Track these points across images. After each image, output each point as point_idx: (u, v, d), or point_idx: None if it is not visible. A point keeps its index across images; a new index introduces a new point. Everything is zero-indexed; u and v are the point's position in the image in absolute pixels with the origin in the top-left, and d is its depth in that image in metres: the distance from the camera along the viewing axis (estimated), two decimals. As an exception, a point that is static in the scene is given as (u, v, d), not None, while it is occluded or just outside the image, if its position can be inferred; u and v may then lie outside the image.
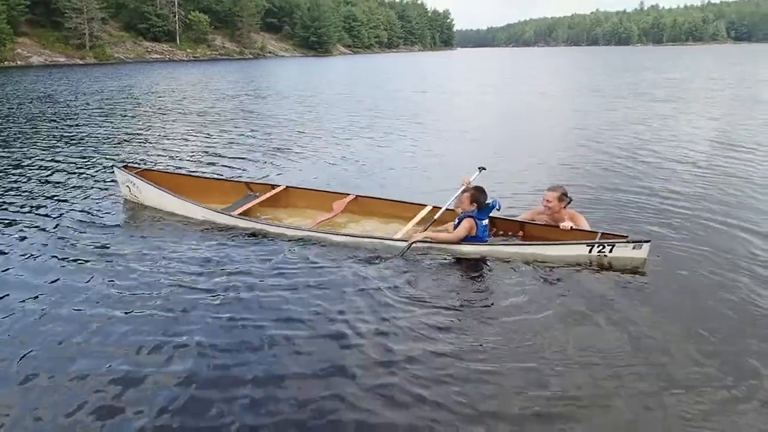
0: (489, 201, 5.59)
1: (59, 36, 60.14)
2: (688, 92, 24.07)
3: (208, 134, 13.40)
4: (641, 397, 3.32)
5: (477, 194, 5.53)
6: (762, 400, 3.28)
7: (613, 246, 5.26)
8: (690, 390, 3.37)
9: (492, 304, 4.52)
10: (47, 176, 8.96)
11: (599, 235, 5.48)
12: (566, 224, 5.70)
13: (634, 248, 5.23)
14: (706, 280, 4.92)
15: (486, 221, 5.55)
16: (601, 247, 5.29)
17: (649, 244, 5.24)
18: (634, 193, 7.86)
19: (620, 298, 4.60)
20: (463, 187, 5.79)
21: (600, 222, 6.22)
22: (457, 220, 5.62)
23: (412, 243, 5.47)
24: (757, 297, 4.55)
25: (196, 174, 8.48)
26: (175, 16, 73.01)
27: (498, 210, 5.60)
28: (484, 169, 6.27)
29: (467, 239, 5.50)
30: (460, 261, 5.44)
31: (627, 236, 5.38)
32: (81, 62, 57.84)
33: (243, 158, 10.47)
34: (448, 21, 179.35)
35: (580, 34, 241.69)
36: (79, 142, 12.14)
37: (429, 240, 5.55)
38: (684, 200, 7.46)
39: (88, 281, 4.91)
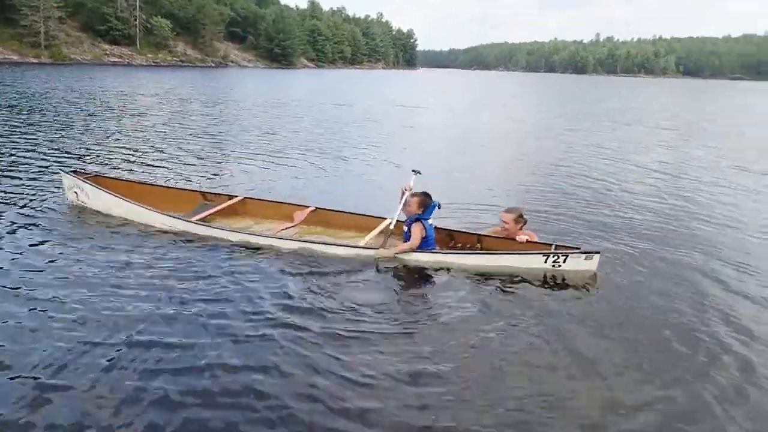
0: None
1: (13, 33, 58.05)
2: (646, 122, 24.97)
3: (164, 142, 13.09)
4: (576, 411, 3.38)
5: (425, 199, 5.77)
6: (697, 417, 3.38)
7: (567, 256, 5.47)
8: (622, 406, 3.44)
9: (448, 314, 4.58)
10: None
11: (553, 246, 5.70)
12: (522, 237, 5.90)
13: (585, 259, 5.47)
14: (650, 292, 5.21)
15: (431, 221, 5.80)
16: (555, 258, 5.49)
17: (599, 255, 5.50)
18: (587, 210, 8.23)
19: (570, 309, 4.77)
20: (408, 193, 5.95)
21: (553, 236, 6.47)
22: (405, 227, 5.84)
23: (378, 260, 5.60)
24: (695, 310, 4.81)
25: (149, 182, 8.22)
26: (135, 20, 71.58)
27: (439, 209, 5.84)
28: (419, 172, 6.43)
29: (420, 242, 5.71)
30: (416, 270, 5.53)
31: (579, 247, 5.65)
32: (35, 61, 55.94)
33: (199, 168, 10.25)
34: (411, 41, 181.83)
35: (538, 60, 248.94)
36: (25, 145, 11.65)
37: (395, 253, 5.67)
38: (635, 217, 7.84)
39: (23, 288, 4.67)
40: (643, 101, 44.24)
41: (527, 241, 5.87)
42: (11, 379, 3.42)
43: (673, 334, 4.38)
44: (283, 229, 6.28)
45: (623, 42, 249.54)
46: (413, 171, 6.40)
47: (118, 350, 3.75)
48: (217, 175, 9.71)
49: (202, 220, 6.44)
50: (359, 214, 6.65)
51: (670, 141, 18.22)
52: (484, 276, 5.41)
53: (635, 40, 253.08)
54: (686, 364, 3.96)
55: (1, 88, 24.94)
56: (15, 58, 55.56)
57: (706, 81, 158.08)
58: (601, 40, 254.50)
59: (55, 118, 16.22)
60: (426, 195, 5.81)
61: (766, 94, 72.44)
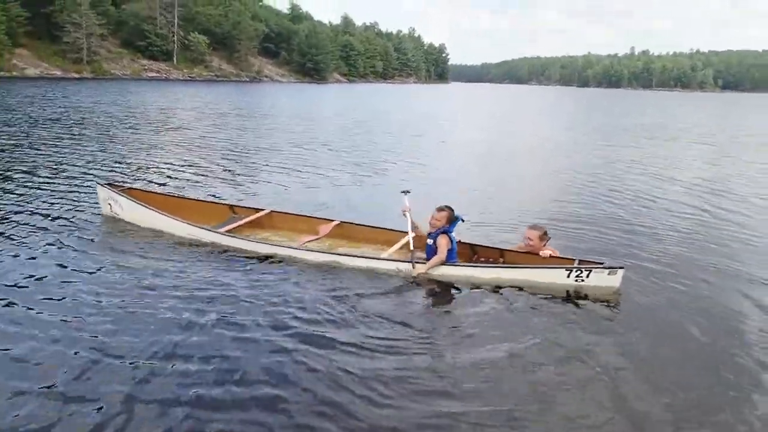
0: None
1: (57, 50, 60.31)
2: (682, 138, 24.52)
3: (198, 155, 13.42)
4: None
5: (452, 213, 5.85)
6: None
7: (590, 271, 5.43)
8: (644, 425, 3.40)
9: (470, 328, 4.60)
10: (26, 191, 8.84)
11: (577, 261, 5.67)
12: (545, 252, 5.92)
13: (609, 274, 5.42)
14: (674, 309, 5.13)
15: (454, 233, 5.86)
16: (578, 272, 5.46)
17: (623, 270, 5.45)
18: (612, 225, 8.17)
19: (593, 326, 4.74)
20: (407, 211, 6.08)
21: (579, 250, 6.45)
22: (430, 240, 5.86)
23: (416, 276, 5.65)
24: (724, 330, 4.72)
25: (180, 194, 8.46)
26: (173, 36, 73.63)
27: (462, 222, 5.92)
28: (409, 191, 6.38)
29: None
30: (439, 283, 5.59)
31: (603, 262, 5.58)
32: (77, 76, 57.92)
33: (228, 181, 10.50)
34: (443, 55, 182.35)
35: (572, 74, 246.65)
36: (65, 157, 12.09)
37: (429, 270, 5.71)
38: (660, 233, 7.79)
39: (60, 297, 4.86)
40: (675, 115, 43.40)
41: (550, 256, 5.86)
42: (43, 388, 3.57)
43: (700, 355, 4.30)
44: (307, 242, 6.39)
45: (659, 56, 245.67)
46: (402, 192, 6.38)
47: (147, 362, 3.87)
48: (247, 188, 9.93)
49: (230, 232, 6.60)
50: (383, 228, 6.73)
51: (703, 156, 17.84)
52: (507, 290, 5.41)
53: (671, 53, 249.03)
54: (719, 388, 3.84)
55: (46, 102, 25.95)
56: (59, 73, 57.64)
57: (742, 95, 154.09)
58: (636, 53, 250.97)
59: (94, 131, 16.80)
60: (452, 210, 5.91)
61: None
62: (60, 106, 24.45)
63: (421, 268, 5.68)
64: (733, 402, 3.67)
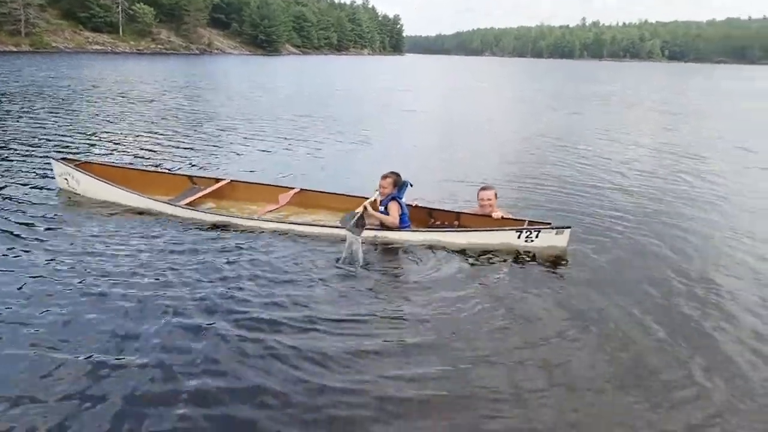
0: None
1: (-9, 21, 57.19)
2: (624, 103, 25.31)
3: (151, 128, 13.21)
4: (543, 390, 3.47)
5: (398, 178, 6.09)
6: (664, 398, 3.56)
7: (539, 232, 5.75)
8: (588, 385, 3.59)
9: (424, 292, 4.77)
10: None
11: (526, 222, 5.99)
12: (497, 214, 6.23)
13: (556, 234, 5.75)
14: (620, 267, 5.48)
15: (404, 198, 6.10)
16: (528, 233, 5.78)
17: (569, 230, 5.78)
18: (560, 187, 8.64)
19: (541, 284, 5.02)
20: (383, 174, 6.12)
21: (530, 212, 6.78)
22: (382, 207, 6.07)
23: (361, 213, 5.68)
24: (666, 285, 5.04)
25: (137, 167, 8.39)
26: (118, 6, 70.67)
27: (411, 187, 6.15)
28: (411, 185, 6.56)
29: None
30: (395, 249, 5.77)
31: (550, 223, 5.92)
32: (15, 49, 55.11)
33: (186, 152, 10.44)
34: (398, 26, 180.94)
35: (525, 45, 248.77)
36: (14, 134, 11.72)
37: (373, 216, 5.92)
38: (610, 194, 8.28)
39: (20, 274, 4.80)
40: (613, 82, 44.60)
41: (502, 218, 6.16)
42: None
43: (645, 312, 4.49)
44: (268, 211, 6.49)
45: (609, 26, 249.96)
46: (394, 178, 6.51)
47: (104, 343, 3.79)
48: (206, 159, 9.92)
49: (191, 203, 6.64)
50: (343, 194, 6.89)
51: (653, 122, 18.54)
52: (461, 253, 5.65)
53: (621, 24, 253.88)
54: (663, 345, 4.01)
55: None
56: (-6, 46, 54.76)
57: (687, 65, 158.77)
58: (587, 24, 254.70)
59: (48, 105, 16.25)
60: (398, 175, 6.10)
61: (735, 76, 72.85)
62: (12, 81, 23.41)
63: (368, 213, 5.79)
64: (678, 358, 3.84)
